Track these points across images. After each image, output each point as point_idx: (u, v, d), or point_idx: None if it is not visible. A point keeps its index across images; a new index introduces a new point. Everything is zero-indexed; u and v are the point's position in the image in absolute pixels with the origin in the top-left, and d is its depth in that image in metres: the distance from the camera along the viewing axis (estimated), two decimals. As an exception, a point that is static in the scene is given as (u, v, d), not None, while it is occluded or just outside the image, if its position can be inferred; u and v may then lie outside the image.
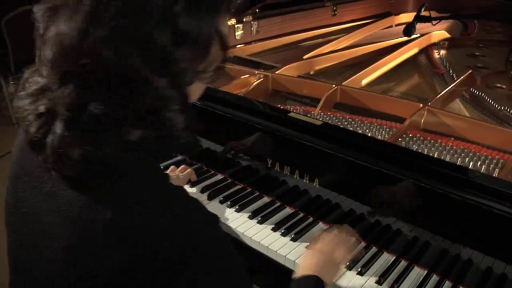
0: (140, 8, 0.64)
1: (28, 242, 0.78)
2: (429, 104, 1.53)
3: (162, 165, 1.58)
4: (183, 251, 0.70)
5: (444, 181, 1.11)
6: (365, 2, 2.78)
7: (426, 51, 2.23)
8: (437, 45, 2.31)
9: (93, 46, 0.63)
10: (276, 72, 1.85)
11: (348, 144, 1.27)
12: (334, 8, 2.61)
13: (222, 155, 1.58)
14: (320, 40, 2.43)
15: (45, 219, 0.73)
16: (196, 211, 0.77)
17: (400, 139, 1.41)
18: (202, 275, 0.74)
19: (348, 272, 1.19)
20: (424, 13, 1.98)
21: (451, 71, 1.95)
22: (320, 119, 1.53)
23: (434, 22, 1.99)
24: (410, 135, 1.43)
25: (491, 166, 1.28)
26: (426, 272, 1.18)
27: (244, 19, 2.26)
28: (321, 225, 1.36)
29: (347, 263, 1.20)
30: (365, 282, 1.16)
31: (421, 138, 1.41)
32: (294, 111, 1.56)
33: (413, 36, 2.10)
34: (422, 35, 2.30)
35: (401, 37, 2.15)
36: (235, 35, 2.24)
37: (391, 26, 2.73)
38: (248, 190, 1.51)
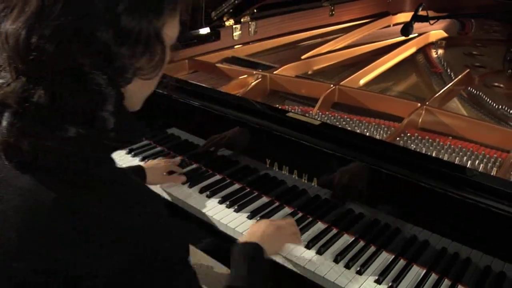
0: (83, 8, 0.68)
1: None
2: (427, 103, 1.53)
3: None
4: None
5: (442, 180, 1.11)
6: (362, 2, 2.78)
7: (424, 50, 2.24)
8: (435, 44, 2.31)
9: (39, 43, 0.67)
10: (274, 72, 1.85)
11: (346, 144, 1.27)
12: (332, 8, 2.61)
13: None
14: (318, 40, 2.44)
15: (1, 208, 0.75)
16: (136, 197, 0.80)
17: (398, 139, 1.41)
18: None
19: (347, 271, 1.19)
20: (421, 12, 1.99)
21: (449, 70, 1.95)
22: (318, 119, 1.54)
23: (431, 22, 1.99)
24: (408, 134, 1.43)
25: (489, 165, 1.28)
26: (425, 271, 1.18)
27: (242, 20, 2.27)
28: (320, 224, 1.36)
29: (346, 262, 1.20)
30: (364, 281, 1.16)
31: (419, 137, 1.42)
32: (292, 111, 1.56)
33: (411, 36, 2.11)
34: (419, 34, 2.30)
35: (399, 36, 2.16)
36: (233, 36, 2.24)
37: (389, 26, 2.74)
38: (247, 190, 1.51)
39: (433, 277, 1.16)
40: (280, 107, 1.64)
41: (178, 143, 1.73)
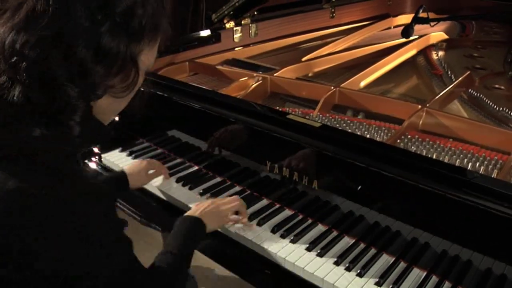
0: (68, 24, 0.74)
1: None
2: (428, 105, 1.53)
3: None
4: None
5: (443, 182, 1.11)
6: (363, 4, 2.78)
7: (424, 52, 2.24)
8: (435, 46, 2.31)
9: (22, 49, 0.74)
10: (275, 75, 1.85)
11: (346, 146, 1.27)
12: (332, 10, 2.61)
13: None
14: (318, 42, 2.44)
15: None
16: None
17: (398, 141, 1.41)
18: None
19: (347, 273, 1.19)
20: (422, 14, 1.99)
21: (449, 72, 1.95)
22: (319, 121, 1.53)
23: (432, 24, 1.99)
24: (409, 136, 1.43)
25: (490, 167, 1.28)
26: (425, 273, 1.18)
27: (242, 22, 2.27)
28: (320, 227, 1.36)
29: (346, 265, 1.20)
30: (364, 284, 1.16)
31: (420, 139, 1.41)
32: (293, 113, 1.56)
33: (411, 38, 2.11)
34: (420, 36, 2.30)
35: (400, 38, 2.16)
36: (233, 38, 2.24)
37: (389, 28, 2.74)
38: (247, 192, 1.51)
39: (434, 279, 1.16)
40: (280, 109, 1.64)
41: (179, 145, 1.73)
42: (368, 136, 1.48)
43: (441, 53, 2.22)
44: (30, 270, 0.77)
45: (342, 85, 1.72)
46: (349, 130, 1.50)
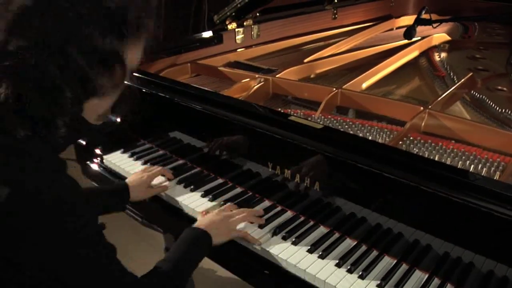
0: (59, 24, 0.75)
1: None
2: (430, 107, 1.53)
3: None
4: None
5: (445, 184, 1.10)
6: (365, 5, 2.78)
7: (426, 54, 2.24)
8: (437, 47, 2.31)
9: (17, 51, 0.74)
10: (277, 76, 1.85)
11: (348, 148, 1.27)
12: (334, 11, 2.61)
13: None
14: (320, 43, 2.44)
15: None
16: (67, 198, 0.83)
17: (400, 142, 1.41)
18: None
19: (349, 275, 1.18)
20: (424, 16, 1.99)
21: (451, 74, 1.95)
22: (321, 122, 1.53)
23: (434, 25, 1.99)
24: (411, 138, 1.42)
25: (492, 169, 1.28)
26: (427, 275, 1.18)
27: (244, 23, 2.27)
28: (322, 228, 1.35)
29: (348, 267, 1.19)
30: (366, 286, 1.15)
31: (422, 141, 1.41)
32: (295, 114, 1.56)
33: (413, 39, 2.10)
34: (422, 38, 2.30)
35: (402, 40, 2.15)
36: (235, 39, 2.25)
37: (391, 29, 2.73)
38: (249, 194, 1.51)
39: (436, 282, 1.16)
40: (282, 111, 1.64)
41: (180, 146, 1.73)
42: (370, 138, 1.47)
43: (443, 54, 2.22)
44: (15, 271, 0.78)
45: (344, 86, 1.72)
46: (351, 132, 1.50)
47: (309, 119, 1.56)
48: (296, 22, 2.48)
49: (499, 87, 1.86)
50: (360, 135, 1.49)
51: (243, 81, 1.84)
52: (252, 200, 1.47)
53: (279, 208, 1.44)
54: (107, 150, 1.79)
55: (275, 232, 1.33)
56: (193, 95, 1.61)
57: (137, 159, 1.74)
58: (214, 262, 1.42)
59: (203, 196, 1.51)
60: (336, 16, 2.64)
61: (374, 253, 1.26)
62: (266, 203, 1.47)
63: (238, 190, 1.54)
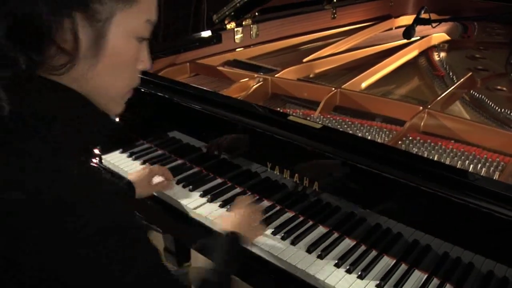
0: None
1: None
2: (429, 106, 1.52)
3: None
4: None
5: (444, 184, 1.10)
6: (364, 5, 2.78)
7: (426, 53, 2.23)
8: (437, 47, 2.30)
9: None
10: (276, 76, 1.85)
11: (347, 147, 1.27)
12: (334, 11, 2.61)
13: (214, 152, 1.58)
14: (319, 43, 2.43)
15: None
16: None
17: (400, 142, 1.40)
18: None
19: (348, 275, 1.18)
20: (424, 15, 1.98)
21: (451, 74, 1.95)
22: (320, 122, 1.53)
23: (434, 25, 1.98)
24: (410, 138, 1.42)
25: (492, 169, 1.27)
26: (426, 275, 1.17)
27: (243, 23, 2.27)
28: (321, 228, 1.35)
29: (347, 267, 1.19)
30: (365, 286, 1.15)
31: (421, 141, 1.41)
32: (294, 114, 1.56)
33: (413, 39, 2.10)
34: (422, 37, 2.30)
35: (401, 39, 2.15)
36: (234, 39, 2.24)
37: (391, 29, 2.73)
38: (248, 194, 1.51)
39: (435, 282, 1.16)
40: (281, 110, 1.64)
41: (179, 146, 1.73)
42: (369, 137, 1.47)
43: (442, 54, 2.22)
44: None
45: (343, 86, 1.72)
46: (350, 132, 1.50)
47: (308, 118, 1.56)
48: (295, 21, 2.48)
49: (499, 87, 1.86)
50: (359, 134, 1.48)
51: (242, 80, 1.83)
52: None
53: (277, 208, 1.44)
54: (106, 149, 1.79)
55: (273, 232, 1.33)
56: (192, 95, 1.61)
57: (136, 158, 1.74)
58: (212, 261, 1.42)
59: (202, 196, 1.50)
60: (335, 15, 2.63)
61: (373, 253, 1.25)
62: (265, 203, 1.46)
63: (237, 190, 1.54)
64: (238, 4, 2.05)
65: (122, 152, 1.78)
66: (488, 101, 1.68)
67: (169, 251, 2.24)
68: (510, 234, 1.03)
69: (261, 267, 1.28)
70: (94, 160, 1.78)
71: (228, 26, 2.22)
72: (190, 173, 1.64)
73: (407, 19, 2.72)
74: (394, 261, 1.22)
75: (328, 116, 1.60)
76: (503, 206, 1.02)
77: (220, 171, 1.60)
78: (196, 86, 1.71)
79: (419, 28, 2.02)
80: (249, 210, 1.30)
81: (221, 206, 1.45)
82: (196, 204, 1.46)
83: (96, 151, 1.78)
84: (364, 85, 1.88)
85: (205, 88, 1.70)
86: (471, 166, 1.29)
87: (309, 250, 1.26)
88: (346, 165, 1.25)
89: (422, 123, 1.51)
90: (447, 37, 2.45)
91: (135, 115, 1.76)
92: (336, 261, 1.21)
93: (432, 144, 1.39)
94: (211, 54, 2.14)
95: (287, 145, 1.36)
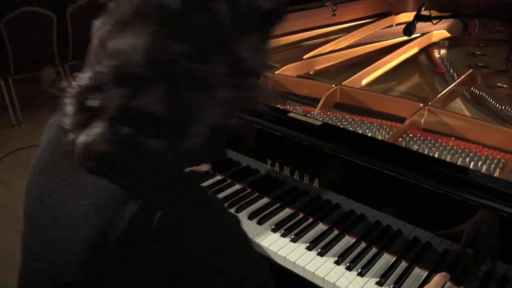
0: (205, 43, 0.65)
1: (47, 233, 0.76)
2: (430, 103, 1.52)
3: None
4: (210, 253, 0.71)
5: (445, 181, 1.10)
6: (365, 1, 2.77)
7: (426, 50, 2.23)
8: (437, 44, 2.30)
9: (172, 57, 0.64)
10: (276, 72, 1.84)
11: (348, 144, 1.26)
12: (334, 7, 2.60)
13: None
14: (320, 40, 2.42)
15: (66, 214, 0.73)
16: (220, 210, 0.77)
17: (400, 139, 1.40)
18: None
19: (348, 272, 1.18)
20: (424, 12, 1.98)
21: (451, 71, 1.94)
22: (320, 119, 1.53)
23: (434, 22, 1.98)
24: (411, 135, 1.42)
25: (492, 166, 1.27)
26: (427, 272, 1.17)
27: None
28: (321, 225, 1.35)
29: (347, 264, 1.19)
30: (365, 283, 1.15)
31: (422, 138, 1.41)
32: (294, 111, 1.55)
33: (413, 36, 2.09)
34: (422, 34, 2.29)
35: (401, 36, 2.14)
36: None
37: (391, 26, 2.72)
38: (247, 191, 1.51)
39: (435, 279, 1.15)
40: (281, 107, 1.63)
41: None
42: (369, 134, 1.47)
43: (443, 51, 2.21)
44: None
45: (344, 83, 1.71)
46: (351, 129, 1.49)
47: (308, 115, 1.56)
48: (295, 18, 2.47)
49: (499, 84, 1.85)
50: (360, 132, 1.48)
51: (242, 77, 1.82)
52: (250, 196, 1.47)
53: (277, 205, 1.43)
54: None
55: (273, 229, 1.32)
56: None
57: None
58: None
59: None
60: (336, 12, 2.62)
61: (374, 250, 1.25)
62: (265, 200, 1.46)
63: (237, 187, 1.53)
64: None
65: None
66: (489, 98, 1.67)
67: None
68: (510, 231, 1.03)
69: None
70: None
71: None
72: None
73: (407, 16, 2.71)
74: (394, 258, 1.22)
75: (329, 113, 1.60)
76: (503, 204, 1.02)
77: (220, 168, 1.60)
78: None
79: (419, 25, 2.02)
80: None
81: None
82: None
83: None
84: (364, 82, 1.88)
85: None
86: (472, 163, 1.29)
87: (309, 247, 1.26)
88: (346, 162, 1.25)
89: (422, 120, 1.50)
90: (448, 34, 2.44)
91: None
92: (336, 258, 1.21)
93: (432, 141, 1.39)
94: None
95: (287, 142, 1.36)
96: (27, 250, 0.81)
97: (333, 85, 1.69)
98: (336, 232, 1.32)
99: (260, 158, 1.47)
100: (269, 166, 1.44)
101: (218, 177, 1.58)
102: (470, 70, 1.86)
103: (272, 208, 1.42)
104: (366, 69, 1.88)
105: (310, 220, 1.37)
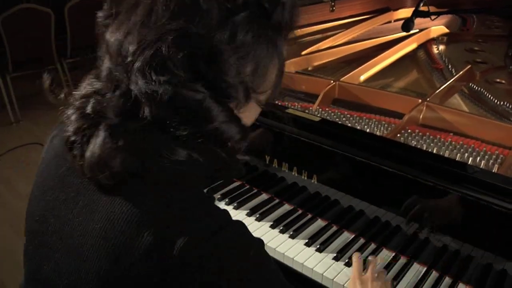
0: (197, 17, 0.61)
1: (51, 255, 0.72)
2: (428, 99, 1.52)
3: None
4: (227, 276, 0.66)
5: (443, 177, 1.10)
6: (363, -3, 2.77)
7: (425, 46, 2.22)
8: (436, 40, 2.29)
9: (149, 60, 0.60)
10: (274, 68, 1.83)
11: (346, 140, 1.26)
12: (332, 3, 2.59)
13: None
14: (318, 36, 2.42)
15: (76, 236, 0.68)
16: (242, 235, 0.73)
17: (399, 135, 1.40)
18: None
19: (347, 268, 1.18)
20: (422, 8, 1.97)
21: (450, 67, 1.94)
22: (318, 115, 1.52)
23: (432, 17, 1.97)
24: (409, 130, 1.42)
25: (491, 161, 1.27)
26: (425, 268, 1.17)
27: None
28: (319, 222, 1.35)
29: (346, 260, 1.19)
30: (364, 279, 1.15)
31: (420, 133, 1.40)
32: (292, 107, 1.55)
33: (411, 32, 2.09)
34: (420, 30, 2.29)
35: (400, 32, 2.14)
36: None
37: (389, 22, 2.72)
38: (246, 187, 1.51)
39: (434, 275, 1.16)
40: (279, 103, 1.63)
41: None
42: (368, 130, 1.46)
43: (441, 47, 2.21)
44: None
45: (342, 79, 1.71)
46: (349, 124, 1.49)
47: (307, 111, 1.55)
48: (293, 14, 2.46)
49: (498, 80, 1.85)
50: (358, 127, 1.48)
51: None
52: (249, 193, 1.47)
53: (276, 201, 1.43)
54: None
55: (272, 225, 1.33)
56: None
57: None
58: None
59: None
60: (334, 8, 2.62)
61: (372, 246, 1.25)
62: (264, 197, 1.46)
63: (236, 183, 1.53)
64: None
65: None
66: (487, 94, 1.67)
67: None
68: (509, 226, 1.03)
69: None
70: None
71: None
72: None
73: (406, 12, 2.71)
74: (393, 254, 1.22)
75: (327, 109, 1.60)
76: (502, 199, 1.02)
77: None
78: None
79: (418, 21, 2.01)
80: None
81: (219, 199, 1.44)
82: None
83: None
84: (363, 78, 1.88)
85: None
86: (470, 159, 1.29)
87: (308, 244, 1.26)
88: (345, 158, 1.25)
89: (421, 116, 1.50)
90: (446, 30, 2.44)
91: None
92: (335, 255, 1.21)
93: (431, 137, 1.39)
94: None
95: (285, 138, 1.36)
96: (30, 267, 0.77)
97: (332, 81, 1.68)
98: (335, 228, 1.32)
99: (258, 154, 1.47)
100: (267, 162, 1.44)
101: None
102: (469, 66, 1.86)
103: (270, 205, 1.42)
104: (365, 65, 1.88)
105: (309, 216, 1.37)
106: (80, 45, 4.31)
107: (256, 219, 1.35)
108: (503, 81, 1.84)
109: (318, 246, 1.24)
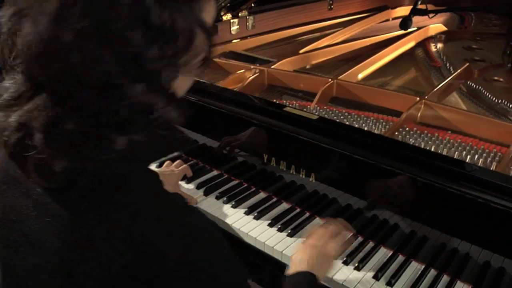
0: (107, 6, 0.58)
1: (18, 249, 0.73)
2: (426, 97, 1.52)
3: (158, 161, 1.56)
4: (183, 257, 0.67)
5: (441, 175, 1.10)
6: (361, -5, 2.76)
7: (423, 44, 2.22)
8: (434, 38, 2.29)
9: (60, 51, 0.59)
10: (272, 67, 1.83)
11: (344, 138, 1.26)
12: (330, 2, 2.59)
13: (218, 151, 1.57)
14: (316, 34, 2.42)
15: (34, 228, 0.69)
16: (195, 219, 0.74)
17: (397, 133, 1.40)
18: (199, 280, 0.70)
19: (345, 267, 1.18)
20: (420, 6, 1.97)
21: (448, 64, 1.94)
22: (316, 113, 1.52)
23: (430, 15, 1.97)
24: (407, 128, 1.42)
25: (489, 159, 1.27)
26: (423, 266, 1.17)
27: (239, 14, 2.25)
28: (317, 220, 1.35)
29: (344, 258, 1.19)
30: (362, 277, 1.15)
31: (418, 131, 1.40)
32: (290, 105, 1.55)
33: (409, 30, 2.09)
34: (418, 28, 2.29)
35: (398, 30, 2.14)
36: (230, 30, 2.22)
37: (387, 20, 2.72)
38: (244, 186, 1.50)
39: (432, 272, 1.16)
40: (277, 102, 1.63)
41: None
42: (366, 128, 1.46)
43: (439, 45, 2.21)
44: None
45: (340, 77, 1.71)
46: (347, 123, 1.49)
47: (305, 110, 1.55)
48: (291, 12, 2.46)
49: (496, 78, 1.85)
50: (356, 125, 1.48)
51: (238, 72, 1.82)
52: (247, 192, 1.46)
53: (274, 200, 1.43)
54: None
55: (270, 224, 1.32)
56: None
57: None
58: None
59: (198, 188, 1.49)
60: (332, 6, 2.62)
61: (370, 244, 1.25)
62: (262, 195, 1.46)
63: (234, 182, 1.53)
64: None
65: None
66: (485, 92, 1.67)
67: None
68: (507, 224, 1.03)
69: (259, 260, 1.28)
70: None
71: (224, 18, 2.20)
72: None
73: (404, 10, 2.71)
74: (391, 252, 1.22)
75: (325, 107, 1.60)
76: (499, 197, 1.02)
77: (215, 163, 1.59)
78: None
79: (416, 19, 2.02)
80: (325, 236, 1.12)
81: (217, 198, 1.44)
82: (192, 193, 1.46)
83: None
84: (360, 76, 1.88)
85: (200, 80, 1.69)
86: (468, 156, 1.29)
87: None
88: (343, 156, 1.25)
89: (419, 114, 1.50)
90: (444, 28, 2.44)
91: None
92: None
93: (429, 135, 1.39)
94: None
95: (283, 137, 1.36)
96: (3, 265, 0.78)
97: (330, 79, 1.68)
98: (332, 226, 1.32)
99: (256, 153, 1.47)
100: (265, 161, 1.44)
101: (215, 172, 1.58)
102: (467, 64, 1.86)
103: (268, 203, 1.41)
104: (363, 63, 1.88)
105: (307, 214, 1.37)
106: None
107: (254, 218, 1.35)
108: (501, 79, 1.84)
109: (316, 245, 1.24)
